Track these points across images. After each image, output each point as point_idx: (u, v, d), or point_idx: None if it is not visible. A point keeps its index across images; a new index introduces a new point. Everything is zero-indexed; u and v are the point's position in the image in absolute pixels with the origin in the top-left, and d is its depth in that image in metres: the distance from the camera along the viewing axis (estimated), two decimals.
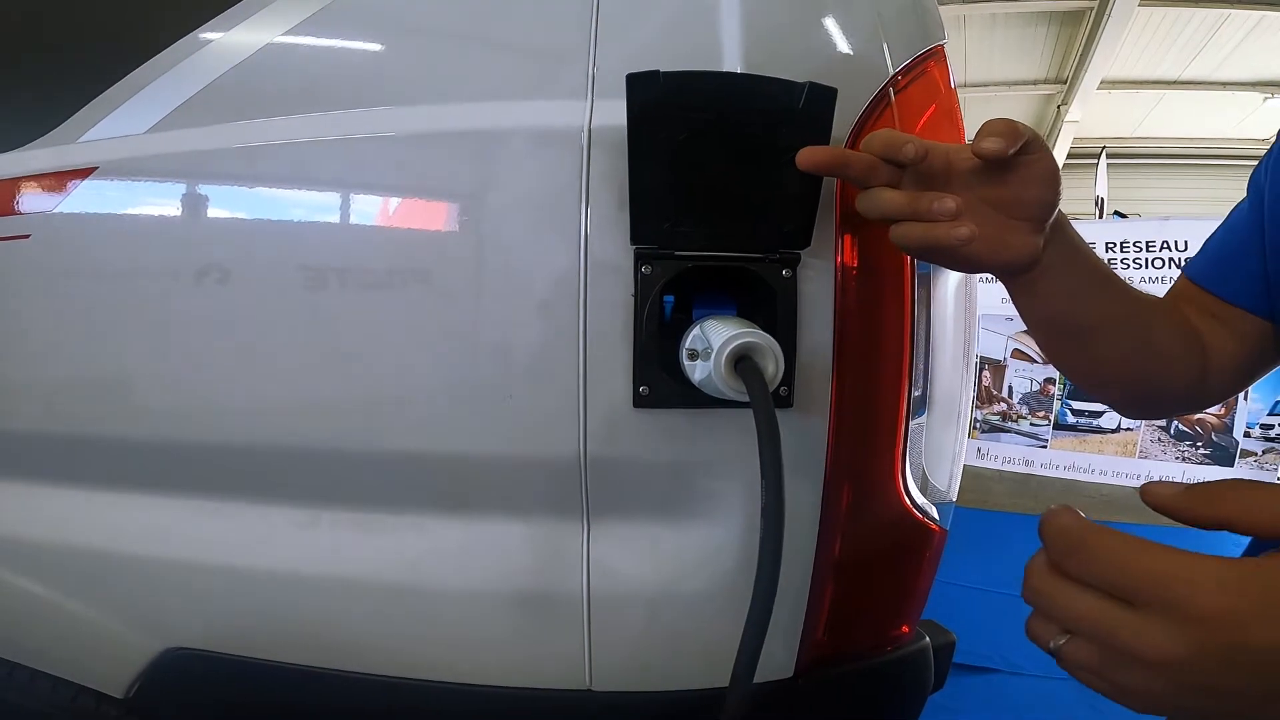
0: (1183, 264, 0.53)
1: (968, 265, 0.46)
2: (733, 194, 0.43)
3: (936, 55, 0.51)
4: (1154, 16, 4.64)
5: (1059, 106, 6.04)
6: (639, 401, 0.46)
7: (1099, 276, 0.47)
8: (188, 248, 0.52)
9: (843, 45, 0.49)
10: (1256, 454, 2.89)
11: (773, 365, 0.33)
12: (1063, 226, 0.44)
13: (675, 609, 0.52)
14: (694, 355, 0.40)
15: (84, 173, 0.52)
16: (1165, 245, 3.09)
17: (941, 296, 0.51)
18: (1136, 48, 5.04)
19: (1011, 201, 0.42)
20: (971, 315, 0.54)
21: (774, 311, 0.45)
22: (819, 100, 0.39)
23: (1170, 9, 4.54)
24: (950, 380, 0.53)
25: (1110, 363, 0.49)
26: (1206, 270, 0.52)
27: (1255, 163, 0.51)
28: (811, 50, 0.49)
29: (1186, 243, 3.02)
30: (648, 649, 0.53)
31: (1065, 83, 5.73)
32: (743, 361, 0.33)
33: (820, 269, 0.47)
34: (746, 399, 0.34)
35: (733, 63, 0.48)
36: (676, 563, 0.51)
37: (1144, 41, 4.98)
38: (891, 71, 0.49)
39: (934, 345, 0.51)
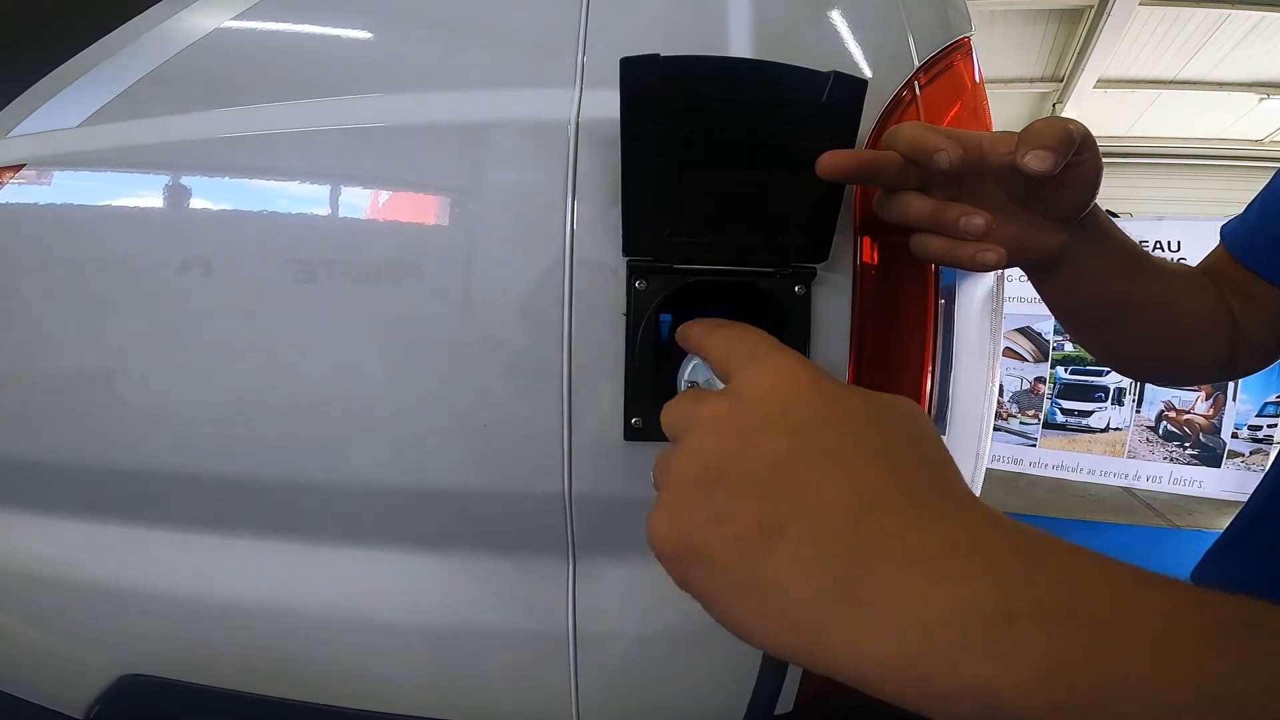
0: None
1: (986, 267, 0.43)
2: (741, 199, 0.37)
3: (963, 48, 0.47)
4: (1153, 15, 4.61)
5: (1054, 105, 6.02)
6: (630, 434, 0.41)
7: (1126, 259, 0.43)
8: (127, 252, 0.47)
9: (863, 35, 0.44)
10: (1244, 455, 2.88)
11: None
12: (1091, 213, 0.40)
13: (665, 648, 0.48)
14: (696, 387, 0.35)
15: (11, 170, 0.48)
16: (1158, 246, 3.07)
17: (967, 313, 0.46)
18: (1134, 47, 5.01)
19: (1046, 201, 0.38)
20: (997, 333, 0.49)
21: (784, 333, 0.40)
22: (846, 93, 0.33)
23: (1170, 8, 4.51)
24: (972, 407, 0.48)
25: (1137, 342, 0.48)
26: (1246, 242, 0.49)
27: (1249, 163, 0.49)
28: (827, 39, 0.44)
29: (1180, 243, 3.00)
30: (636, 689, 0.49)
31: (1061, 81, 5.69)
32: None
33: (837, 285, 0.42)
34: None
35: (740, 51, 0.43)
36: (667, 601, 0.47)
37: (1142, 40, 4.95)
38: (916, 64, 0.44)
39: (956, 369, 0.47)
